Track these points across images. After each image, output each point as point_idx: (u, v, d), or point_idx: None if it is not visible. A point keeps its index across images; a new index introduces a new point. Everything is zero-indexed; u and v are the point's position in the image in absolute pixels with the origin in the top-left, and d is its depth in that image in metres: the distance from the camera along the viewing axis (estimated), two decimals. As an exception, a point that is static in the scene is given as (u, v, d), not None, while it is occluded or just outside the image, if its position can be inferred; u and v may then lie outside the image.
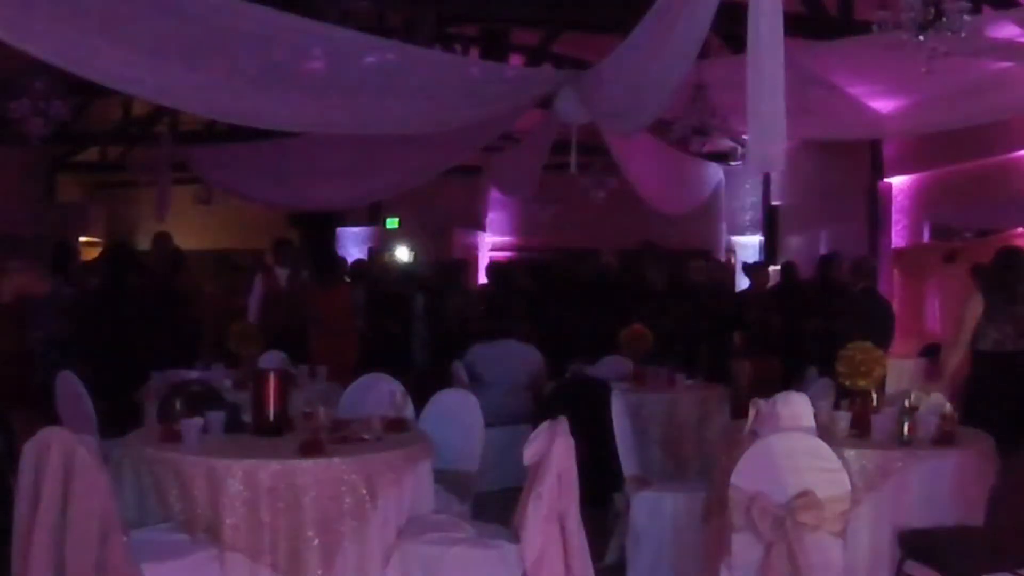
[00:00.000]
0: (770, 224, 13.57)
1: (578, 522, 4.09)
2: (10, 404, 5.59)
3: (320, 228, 14.73)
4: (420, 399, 5.35)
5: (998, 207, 8.91)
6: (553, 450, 3.98)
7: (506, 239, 15.65)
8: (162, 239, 9.82)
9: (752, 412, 4.58)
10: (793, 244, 13.18)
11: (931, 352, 8.41)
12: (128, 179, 14.65)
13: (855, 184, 11.06)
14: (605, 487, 5.35)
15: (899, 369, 7.70)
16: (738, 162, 13.07)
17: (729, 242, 14.53)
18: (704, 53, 5.81)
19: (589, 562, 4.14)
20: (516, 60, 10.10)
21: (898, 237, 10.70)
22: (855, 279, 7.98)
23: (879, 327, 7.24)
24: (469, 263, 13.59)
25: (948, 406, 4.72)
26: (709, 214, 14.23)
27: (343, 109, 6.37)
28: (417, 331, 9.63)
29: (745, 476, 3.99)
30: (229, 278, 10.51)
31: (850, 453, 4.21)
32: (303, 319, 8.60)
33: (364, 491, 3.91)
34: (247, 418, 4.48)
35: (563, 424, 4.09)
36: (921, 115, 7.14)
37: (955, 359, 6.02)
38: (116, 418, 5.83)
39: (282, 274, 9.05)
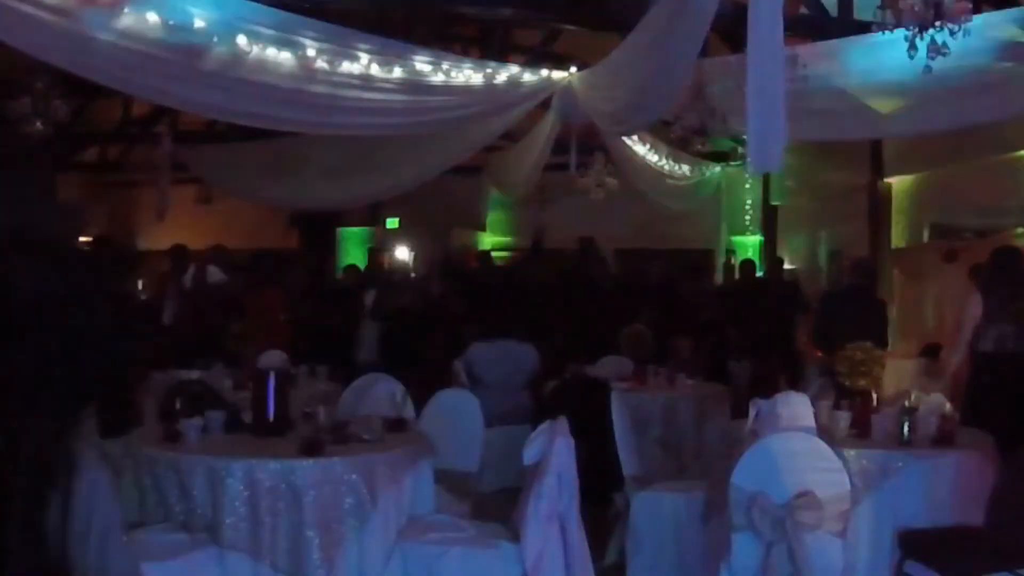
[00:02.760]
0: (770, 224, 13.57)
1: (578, 522, 4.09)
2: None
3: (320, 228, 14.72)
4: (419, 399, 5.35)
5: (998, 207, 8.91)
6: (553, 450, 3.98)
7: (506, 239, 15.64)
8: (107, 240, 9.90)
9: (752, 412, 4.58)
10: (793, 244, 13.19)
11: (931, 352, 8.41)
12: (128, 179, 14.65)
13: (855, 184, 11.06)
14: (605, 487, 5.35)
15: (899, 369, 7.69)
16: (738, 162, 13.07)
17: (729, 242, 14.54)
18: (704, 53, 5.81)
19: (589, 562, 4.14)
20: (516, 60, 10.09)
21: (898, 237, 10.70)
22: (855, 278, 7.96)
23: (873, 326, 7.18)
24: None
25: (948, 406, 4.72)
26: (709, 214, 14.24)
27: (342, 109, 6.37)
28: (367, 328, 9.58)
29: (745, 476, 3.99)
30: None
31: (850, 453, 4.21)
32: (217, 317, 8.65)
33: (364, 491, 3.91)
34: (247, 418, 4.48)
35: (563, 424, 4.09)
36: (921, 115, 7.12)
37: (956, 360, 6.03)
38: (116, 418, 5.81)
39: (187, 277, 9.12)
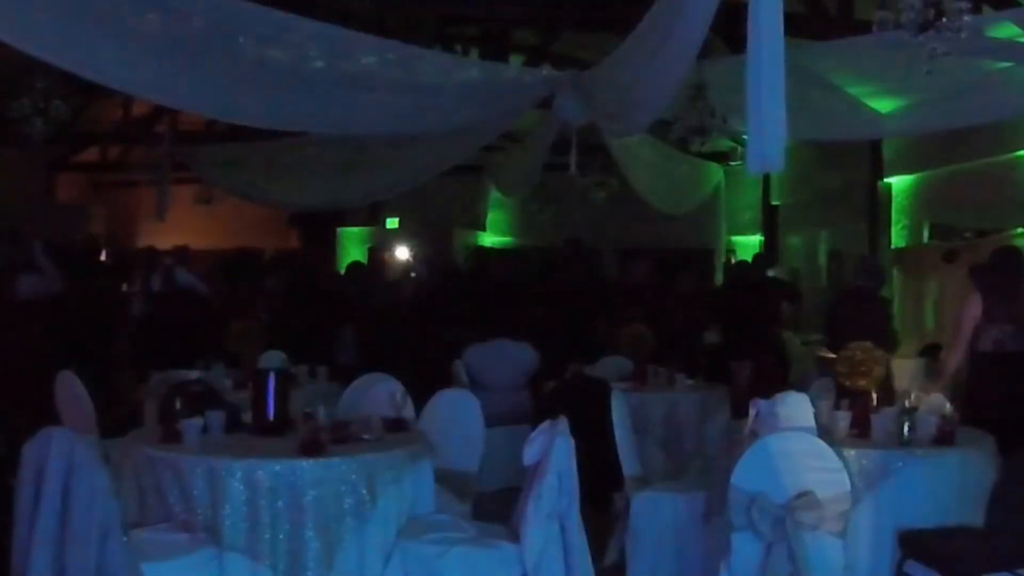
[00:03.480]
0: (770, 224, 13.58)
1: (578, 522, 4.09)
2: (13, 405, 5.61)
3: (320, 228, 14.73)
4: (420, 399, 5.35)
5: (998, 207, 8.91)
6: (553, 450, 3.98)
7: (506, 239, 15.65)
8: (90, 241, 9.99)
9: (752, 412, 4.58)
10: (793, 244, 13.20)
11: (931, 352, 8.42)
12: (128, 179, 14.65)
13: (855, 184, 11.06)
14: (605, 487, 5.35)
15: (899, 369, 7.69)
16: (738, 162, 13.07)
17: (729, 242, 14.54)
18: (704, 53, 5.81)
19: (589, 562, 4.14)
20: (516, 60, 10.10)
21: (898, 237, 10.71)
22: (859, 278, 7.89)
23: (877, 327, 7.13)
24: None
25: (948, 406, 4.72)
26: (709, 214, 14.24)
27: (342, 109, 6.38)
28: (348, 330, 9.57)
29: (745, 476, 3.99)
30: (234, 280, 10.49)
31: (850, 453, 4.21)
32: (185, 317, 8.69)
33: (364, 491, 3.91)
34: (247, 418, 4.48)
35: (563, 424, 4.09)
36: (921, 115, 7.13)
37: (955, 360, 6.02)
38: (116, 418, 5.83)
39: (156, 277, 9.19)
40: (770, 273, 10.73)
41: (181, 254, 9.79)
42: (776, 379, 7.76)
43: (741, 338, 8.71)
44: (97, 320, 8.01)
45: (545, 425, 4.14)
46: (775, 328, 9.18)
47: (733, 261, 13.55)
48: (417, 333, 8.89)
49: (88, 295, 8.13)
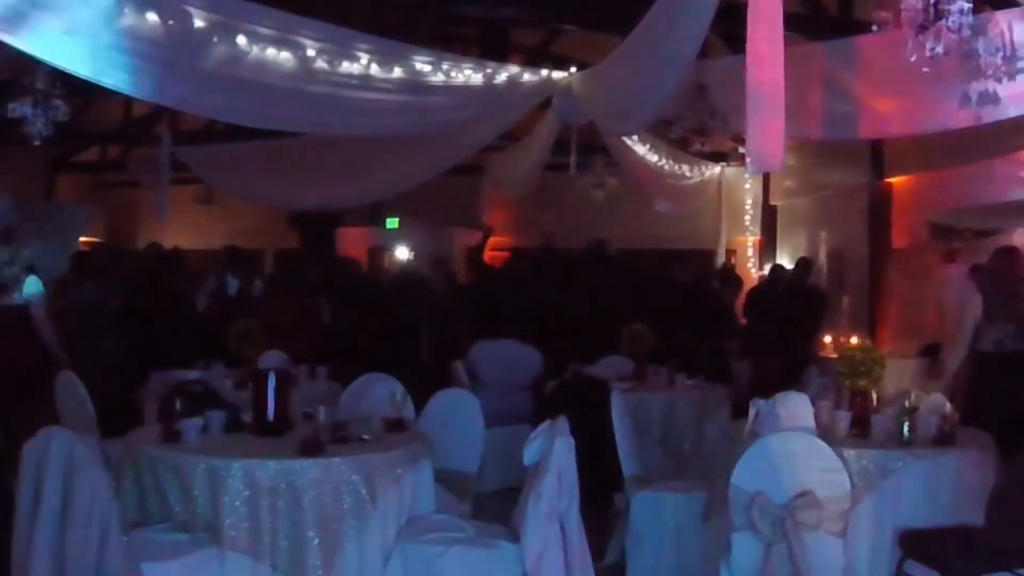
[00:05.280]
0: (770, 224, 13.58)
1: (578, 522, 4.09)
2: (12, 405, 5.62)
3: (320, 228, 14.72)
4: (420, 399, 5.35)
5: (998, 207, 8.91)
6: (553, 450, 3.98)
7: (506, 239, 15.64)
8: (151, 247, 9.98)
9: (752, 412, 4.58)
10: (793, 244, 13.20)
11: (931, 352, 8.42)
12: (128, 179, 14.66)
13: (855, 184, 11.06)
14: (605, 487, 5.35)
15: (899, 369, 7.69)
16: (738, 162, 13.08)
17: (729, 242, 14.55)
18: (704, 53, 5.82)
19: (589, 562, 4.14)
20: (516, 60, 10.08)
21: (898, 237, 10.70)
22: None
23: None
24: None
25: (948, 406, 4.72)
26: (709, 214, 14.24)
27: (342, 110, 6.37)
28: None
29: (745, 476, 3.99)
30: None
31: (850, 453, 4.21)
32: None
33: (364, 491, 3.91)
34: (247, 418, 4.48)
35: (563, 424, 4.09)
36: (921, 115, 7.13)
37: (956, 359, 6.02)
38: (116, 418, 5.83)
39: (232, 282, 9.14)
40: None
41: (235, 253, 9.77)
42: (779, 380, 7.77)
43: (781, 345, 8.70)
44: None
45: (545, 425, 4.14)
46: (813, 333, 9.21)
47: (733, 261, 13.54)
48: (432, 333, 8.89)
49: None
